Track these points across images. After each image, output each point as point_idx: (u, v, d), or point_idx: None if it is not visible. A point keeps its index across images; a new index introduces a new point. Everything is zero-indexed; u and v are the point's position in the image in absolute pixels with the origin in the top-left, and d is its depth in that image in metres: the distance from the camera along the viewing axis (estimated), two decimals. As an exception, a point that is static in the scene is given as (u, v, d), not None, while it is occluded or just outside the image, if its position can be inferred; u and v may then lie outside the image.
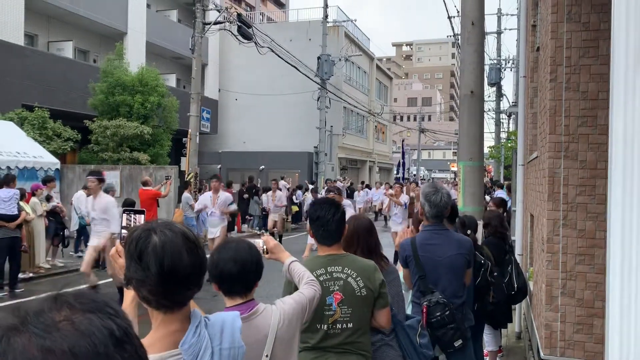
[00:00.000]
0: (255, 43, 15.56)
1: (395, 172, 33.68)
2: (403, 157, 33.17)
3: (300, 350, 2.50)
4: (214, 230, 9.51)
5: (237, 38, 15.74)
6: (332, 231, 2.60)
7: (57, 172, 13.77)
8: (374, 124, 37.95)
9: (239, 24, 15.42)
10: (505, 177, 20.87)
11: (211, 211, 9.52)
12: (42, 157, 13.46)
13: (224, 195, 9.66)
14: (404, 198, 11.41)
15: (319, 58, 23.30)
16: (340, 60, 24.91)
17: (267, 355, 1.94)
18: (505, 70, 27.85)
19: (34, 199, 9.60)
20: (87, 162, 16.53)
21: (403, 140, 38.82)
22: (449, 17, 19.14)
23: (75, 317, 0.70)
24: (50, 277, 9.76)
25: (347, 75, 31.15)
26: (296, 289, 2.48)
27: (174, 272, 1.34)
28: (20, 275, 8.94)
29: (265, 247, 2.43)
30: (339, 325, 2.53)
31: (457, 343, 3.13)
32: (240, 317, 1.89)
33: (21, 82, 16.22)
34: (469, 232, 4.24)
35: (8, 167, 11.88)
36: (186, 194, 13.33)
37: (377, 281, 2.58)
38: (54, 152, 14.32)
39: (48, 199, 10.23)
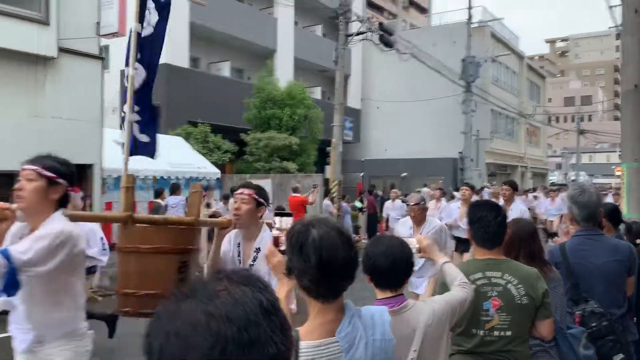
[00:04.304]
0: (397, 50, 15.61)
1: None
2: None
3: (453, 353, 2.47)
4: None
5: (378, 47, 15.93)
6: (493, 234, 2.51)
7: (218, 181, 15.10)
8: (525, 127, 35.74)
9: (381, 32, 15.60)
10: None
11: None
12: (205, 167, 14.86)
13: None
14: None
15: (463, 60, 22.62)
16: (486, 61, 23.93)
17: (415, 350, 1.96)
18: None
19: (197, 205, 10.66)
20: (243, 171, 17.89)
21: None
22: (610, 7, 17.36)
23: (232, 288, 0.82)
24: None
25: (494, 77, 29.81)
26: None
27: (331, 263, 1.46)
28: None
29: (418, 246, 2.44)
30: (496, 333, 2.44)
31: (618, 358, 2.84)
32: (391, 310, 1.93)
33: (187, 101, 18.11)
34: (638, 241, 3.82)
35: (177, 177, 13.32)
36: (326, 202, 13.79)
37: (540, 290, 2.45)
38: (214, 163, 15.74)
39: (208, 205, 11.26)
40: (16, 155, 7.92)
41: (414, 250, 2.25)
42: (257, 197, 3.23)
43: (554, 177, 53.06)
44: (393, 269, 2.02)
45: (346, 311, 1.53)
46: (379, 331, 1.54)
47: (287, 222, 1.96)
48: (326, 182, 15.78)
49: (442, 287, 2.49)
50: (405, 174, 25.75)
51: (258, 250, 3.18)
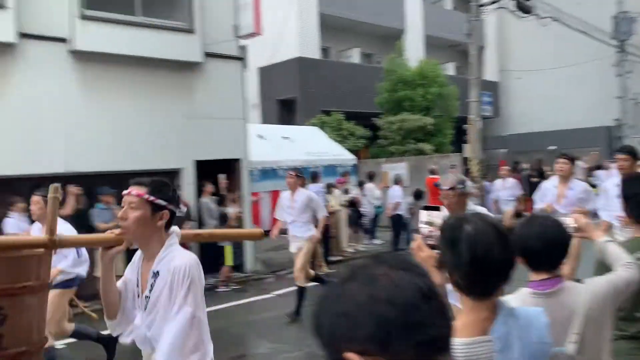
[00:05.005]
0: (536, 15, 14.50)
1: None
2: None
3: (616, 338, 2.31)
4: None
5: (515, 14, 14.93)
6: None
7: (354, 167, 15.36)
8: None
9: (517, -2, 14.58)
10: None
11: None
12: (340, 154, 15.20)
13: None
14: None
15: (614, 17, 20.39)
16: (642, 14, 21.30)
17: (576, 334, 1.87)
18: None
19: (336, 192, 10.96)
20: (377, 156, 17.98)
21: None
22: None
23: (391, 272, 0.86)
24: (353, 260, 11.00)
25: (653, 32, 26.39)
26: (607, 271, 2.32)
27: (485, 261, 1.41)
28: (330, 258, 10.32)
29: (575, 225, 2.32)
30: None
31: None
32: (546, 292, 1.91)
33: (320, 91, 18.61)
34: None
35: (315, 166, 13.80)
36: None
37: None
38: (349, 150, 16.02)
39: (346, 191, 11.52)
40: (176, 156, 8.85)
41: (570, 230, 2.13)
42: (152, 199, 2.12)
43: None
44: (547, 251, 1.93)
45: (500, 310, 1.47)
46: (536, 334, 1.47)
47: (436, 215, 1.92)
48: (465, 161, 15.26)
49: (599, 266, 2.34)
50: (553, 147, 23.90)
51: (156, 275, 2.13)
